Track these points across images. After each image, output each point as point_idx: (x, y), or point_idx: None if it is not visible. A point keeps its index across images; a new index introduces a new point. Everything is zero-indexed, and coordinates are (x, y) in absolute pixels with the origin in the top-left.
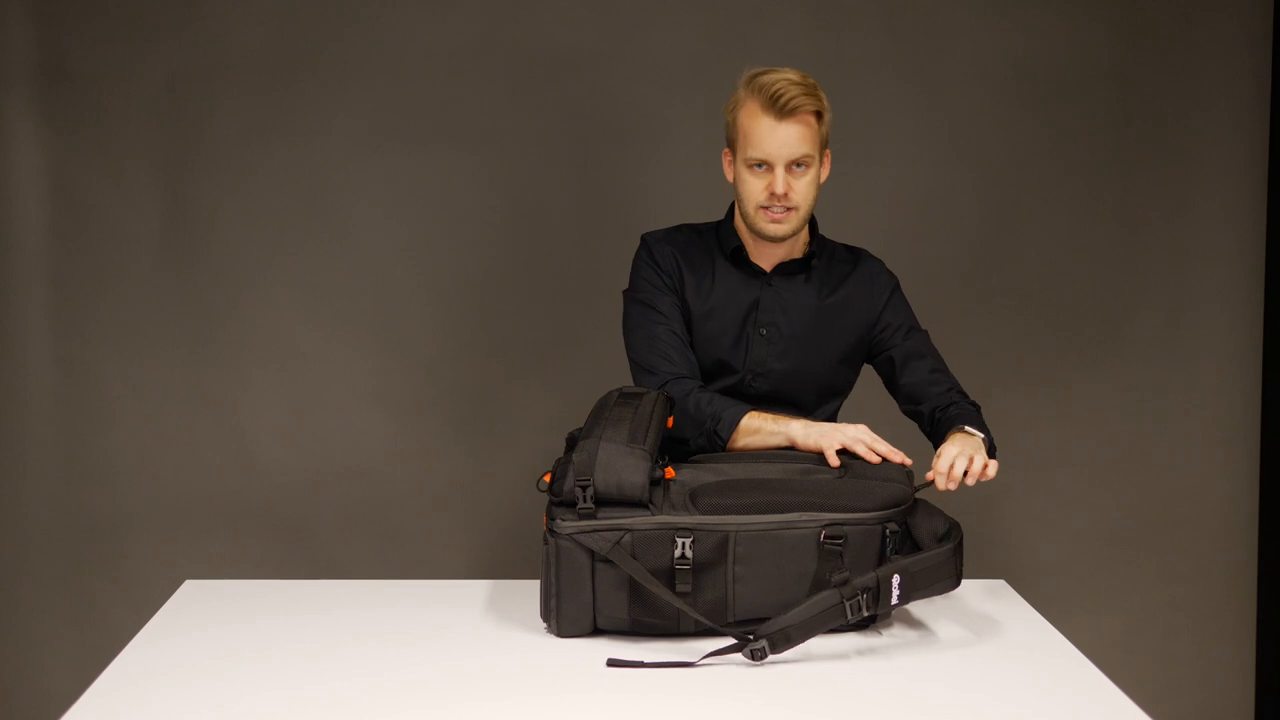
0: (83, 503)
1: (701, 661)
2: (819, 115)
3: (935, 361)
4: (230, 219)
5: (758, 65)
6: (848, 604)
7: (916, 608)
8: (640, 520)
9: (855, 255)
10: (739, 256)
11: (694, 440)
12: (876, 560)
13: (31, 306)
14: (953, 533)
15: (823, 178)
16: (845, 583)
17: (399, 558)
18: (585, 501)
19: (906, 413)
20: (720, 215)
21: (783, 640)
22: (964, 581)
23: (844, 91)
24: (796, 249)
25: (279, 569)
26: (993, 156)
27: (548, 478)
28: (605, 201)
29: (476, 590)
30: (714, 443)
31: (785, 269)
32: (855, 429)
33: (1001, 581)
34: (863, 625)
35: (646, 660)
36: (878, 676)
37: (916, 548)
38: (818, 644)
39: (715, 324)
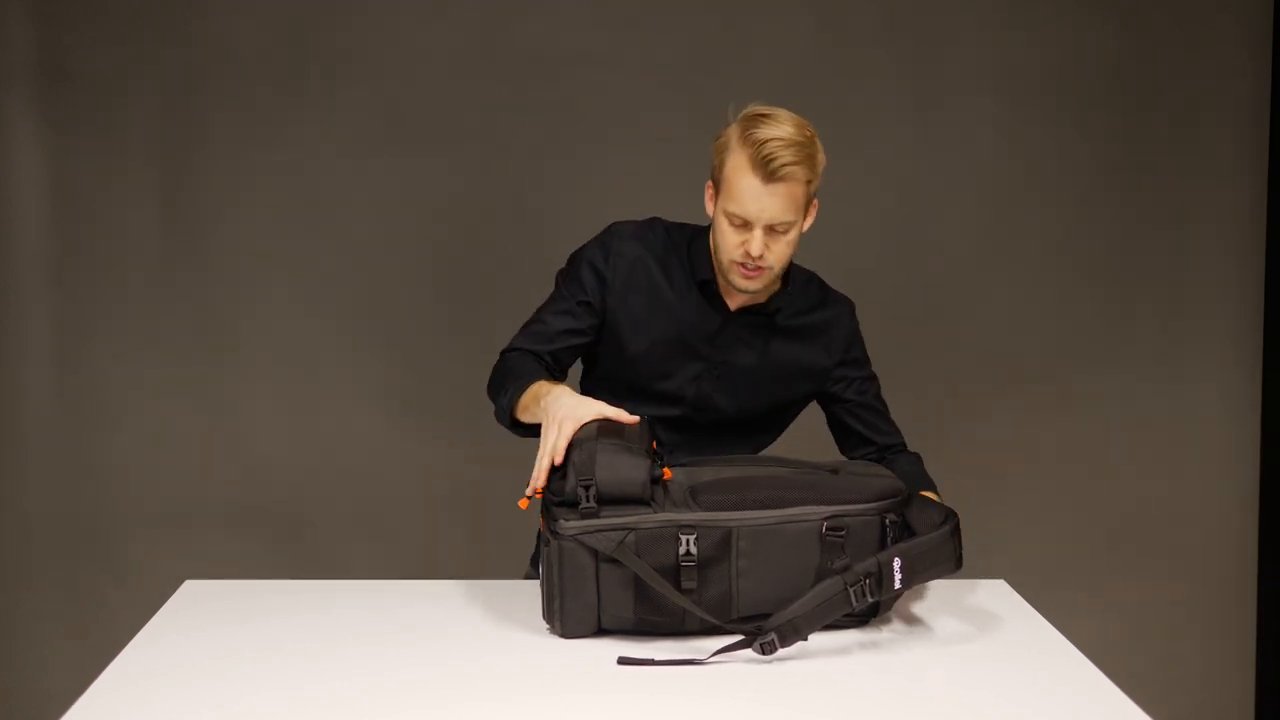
0: (83, 503)
1: (711, 659)
2: (808, 180)
3: (883, 410)
4: (230, 219)
5: (759, 101)
6: (851, 590)
7: (917, 607)
8: (644, 518)
9: (823, 297)
10: (708, 289)
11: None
12: (877, 550)
13: (31, 306)
14: (950, 518)
15: (805, 228)
16: (847, 568)
17: (399, 558)
18: (588, 501)
19: (844, 447)
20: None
21: (791, 632)
22: (964, 582)
23: (844, 91)
24: (765, 292)
25: (279, 569)
26: (993, 156)
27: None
28: (605, 202)
29: (476, 590)
30: (499, 407)
31: (749, 311)
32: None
33: (1001, 581)
34: (866, 618)
35: (657, 659)
36: (880, 676)
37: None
38: (821, 643)
39: (668, 348)
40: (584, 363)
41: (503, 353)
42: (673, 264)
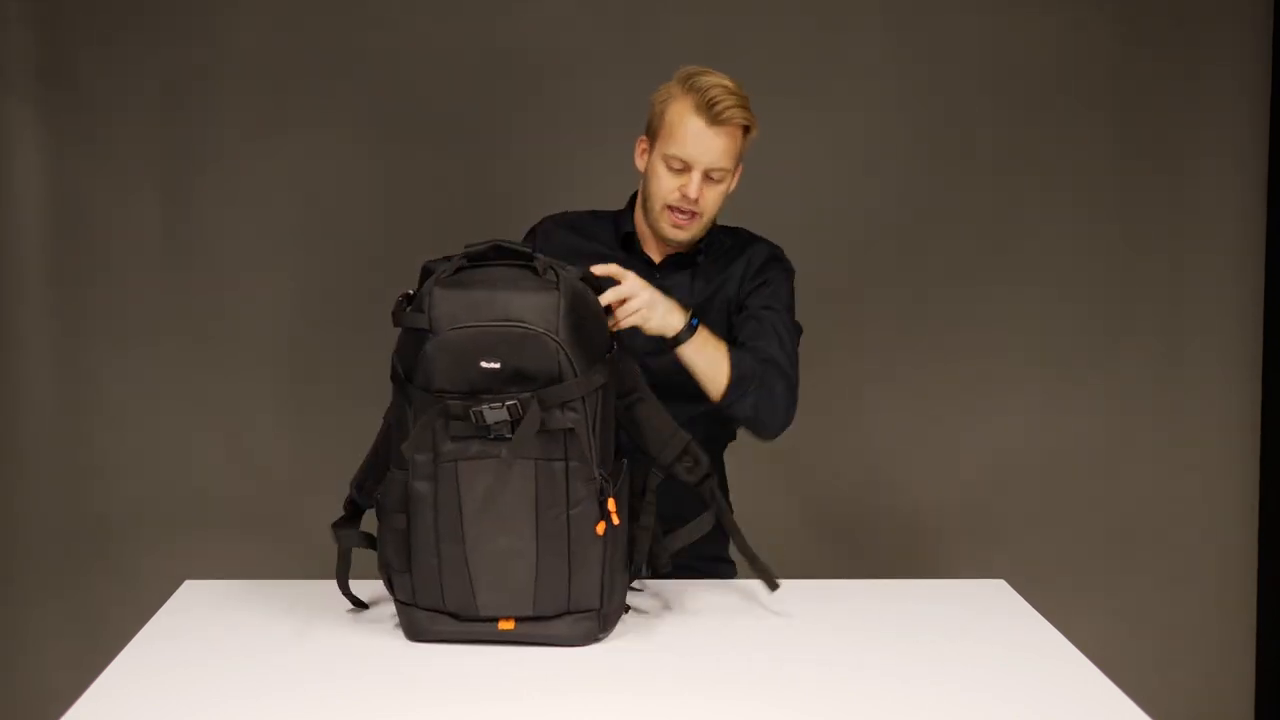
0: (83, 503)
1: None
2: (746, 130)
3: (765, 330)
4: (230, 219)
5: (695, 65)
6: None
7: (917, 606)
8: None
9: (749, 239)
10: (630, 242)
11: None
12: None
13: (31, 306)
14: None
15: (731, 188)
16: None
17: None
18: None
19: None
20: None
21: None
22: (964, 582)
23: (844, 91)
24: (691, 245)
25: (279, 569)
26: (993, 156)
27: None
28: (604, 202)
29: None
30: None
31: (674, 261)
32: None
33: (1001, 581)
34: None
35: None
36: (879, 676)
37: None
38: (819, 643)
39: None
40: None
41: None
42: (597, 229)
